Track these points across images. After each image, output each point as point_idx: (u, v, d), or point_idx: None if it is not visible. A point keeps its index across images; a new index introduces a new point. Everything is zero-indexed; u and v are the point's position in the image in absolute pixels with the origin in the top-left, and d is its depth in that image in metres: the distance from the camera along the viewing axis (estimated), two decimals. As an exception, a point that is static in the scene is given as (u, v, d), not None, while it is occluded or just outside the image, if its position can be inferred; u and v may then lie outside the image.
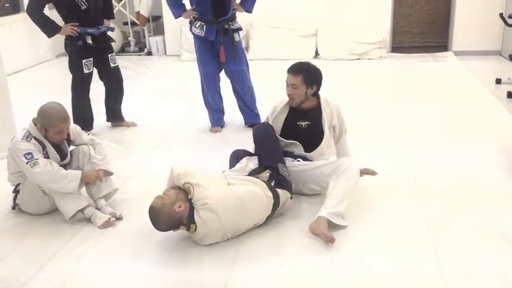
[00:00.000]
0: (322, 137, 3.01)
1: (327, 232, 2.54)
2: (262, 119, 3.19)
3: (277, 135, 3.03)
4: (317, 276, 2.32)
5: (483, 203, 2.90)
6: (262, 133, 2.99)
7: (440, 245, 2.50)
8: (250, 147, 3.13)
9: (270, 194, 2.66)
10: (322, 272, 2.34)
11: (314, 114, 3.03)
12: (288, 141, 3.04)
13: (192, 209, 2.46)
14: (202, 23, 4.07)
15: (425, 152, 3.71)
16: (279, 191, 2.73)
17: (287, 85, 3.01)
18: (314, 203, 2.79)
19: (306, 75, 2.96)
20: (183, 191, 2.56)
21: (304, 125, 3.03)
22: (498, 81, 5.66)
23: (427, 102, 4.96)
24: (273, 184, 2.74)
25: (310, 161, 3.01)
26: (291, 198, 2.81)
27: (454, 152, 3.71)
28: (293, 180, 2.88)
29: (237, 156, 3.06)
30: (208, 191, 2.49)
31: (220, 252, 2.50)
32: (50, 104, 2.81)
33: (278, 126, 3.07)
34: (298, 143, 3.03)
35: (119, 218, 2.86)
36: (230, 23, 4.09)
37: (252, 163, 2.91)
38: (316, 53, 7.31)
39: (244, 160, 2.95)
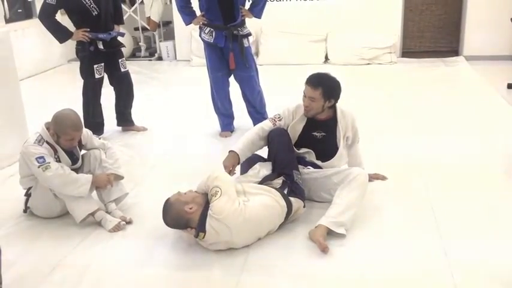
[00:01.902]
0: (336, 150, 2.99)
1: (322, 240, 2.52)
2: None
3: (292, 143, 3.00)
4: (326, 283, 2.31)
5: (489, 204, 2.94)
6: (277, 138, 2.94)
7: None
8: (261, 152, 3.13)
9: (283, 203, 2.65)
10: (332, 278, 2.34)
11: (330, 125, 2.99)
12: (301, 150, 3.01)
13: (204, 215, 2.46)
14: (212, 29, 4.09)
15: (434, 153, 3.72)
16: (292, 199, 2.72)
17: (304, 96, 2.93)
18: (325, 209, 2.78)
19: (325, 89, 2.87)
20: (204, 197, 2.57)
21: (320, 136, 2.99)
22: (510, 86, 5.62)
23: (437, 107, 4.94)
24: (286, 192, 2.73)
25: (321, 168, 2.99)
26: (304, 207, 2.80)
27: (463, 154, 3.72)
28: (304, 187, 2.86)
29: (249, 161, 3.05)
30: (230, 205, 2.46)
31: (230, 257, 2.50)
32: (65, 111, 2.84)
33: (294, 135, 3.02)
34: (311, 150, 3.01)
35: (128, 222, 2.88)
36: (239, 28, 4.10)
37: (265, 169, 2.90)
38: (326, 58, 7.30)
39: (257, 166, 2.94)
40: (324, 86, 2.88)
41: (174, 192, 2.61)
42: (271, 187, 2.73)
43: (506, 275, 2.28)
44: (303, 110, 2.99)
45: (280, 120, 3.05)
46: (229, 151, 2.99)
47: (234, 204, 2.47)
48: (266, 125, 3.05)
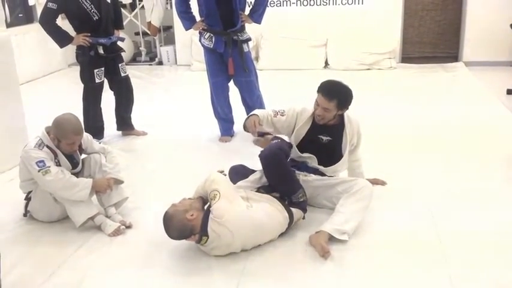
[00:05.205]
0: (341, 156, 2.98)
1: (324, 244, 2.51)
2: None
3: (294, 145, 2.99)
4: None
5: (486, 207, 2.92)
6: (270, 164, 2.75)
7: (444, 241, 2.53)
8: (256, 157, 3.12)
9: (286, 214, 2.65)
10: (332, 284, 2.34)
11: (336, 130, 2.98)
12: (304, 155, 3.00)
13: (206, 219, 2.45)
14: (211, 35, 4.10)
15: (433, 156, 3.74)
16: (293, 209, 2.71)
17: (317, 104, 2.90)
18: (326, 215, 2.78)
19: (340, 100, 2.85)
20: (200, 201, 2.57)
21: (325, 140, 2.98)
22: (509, 91, 5.64)
23: (437, 113, 4.94)
24: (287, 202, 2.73)
25: (323, 174, 2.98)
26: (303, 218, 2.80)
27: (463, 158, 3.73)
28: (306, 193, 2.83)
29: (236, 173, 3.05)
30: (230, 207, 2.46)
31: (230, 263, 2.49)
32: (66, 116, 2.84)
33: (298, 137, 3.01)
34: (313, 156, 3.00)
35: (128, 227, 2.88)
36: (239, 34, 4.11)
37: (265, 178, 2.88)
38: (326, 63, 7.32)
39: (258, 172, 2.92)
40: (339, 98, 2.86)
41: (172, 200, 2.58)
42: (274, 196, 2.72)
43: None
44: (308, 114, 2.98)
45: (282, 116, 3.03)
46: (250, 115, 3.03)
47: (234, 206, 2.47)
48: (269, 114, 3.06)
